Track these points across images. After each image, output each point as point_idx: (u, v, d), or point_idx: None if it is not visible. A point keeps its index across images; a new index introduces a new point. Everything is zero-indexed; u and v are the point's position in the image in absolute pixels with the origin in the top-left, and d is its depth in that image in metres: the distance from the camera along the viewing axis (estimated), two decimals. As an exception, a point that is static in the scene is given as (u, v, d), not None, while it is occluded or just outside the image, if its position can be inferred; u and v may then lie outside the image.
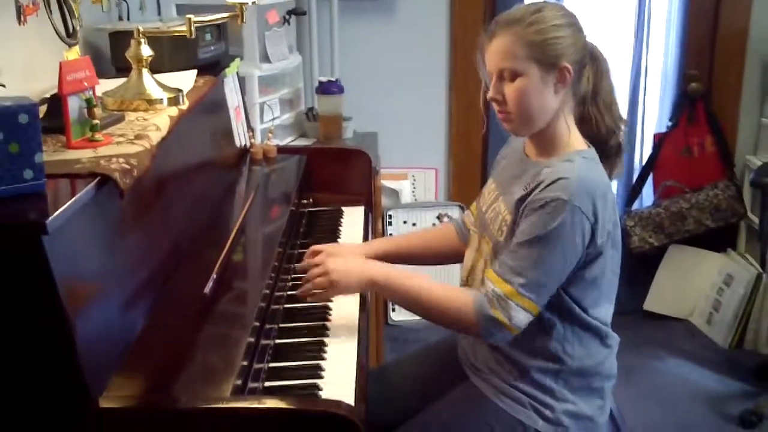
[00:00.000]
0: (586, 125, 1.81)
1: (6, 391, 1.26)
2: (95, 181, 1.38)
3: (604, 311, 1.81)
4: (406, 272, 1.83)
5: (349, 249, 2.13)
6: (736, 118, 3.73)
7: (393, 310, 3.73)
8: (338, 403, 1.34)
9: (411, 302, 1.81)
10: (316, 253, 2.01)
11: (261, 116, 3.15)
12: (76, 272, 1.28)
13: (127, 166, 1.47)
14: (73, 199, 1.28)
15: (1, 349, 1.23)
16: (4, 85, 1.58)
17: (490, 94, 1.76)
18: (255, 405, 1.33)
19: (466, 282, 1.92)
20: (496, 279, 1.70)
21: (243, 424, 1.31)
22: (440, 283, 1.81)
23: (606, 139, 1.83)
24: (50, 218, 1.19)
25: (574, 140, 1.78)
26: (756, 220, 3.57)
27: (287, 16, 3.37)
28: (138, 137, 1.63)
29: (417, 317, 3.64)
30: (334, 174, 2.76)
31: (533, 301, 1.67)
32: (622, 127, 1.86)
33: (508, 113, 1.74)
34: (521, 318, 1.67)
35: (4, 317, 1.22)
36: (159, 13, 3.04)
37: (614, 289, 1.82)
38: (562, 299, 1.73)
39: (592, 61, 1.79)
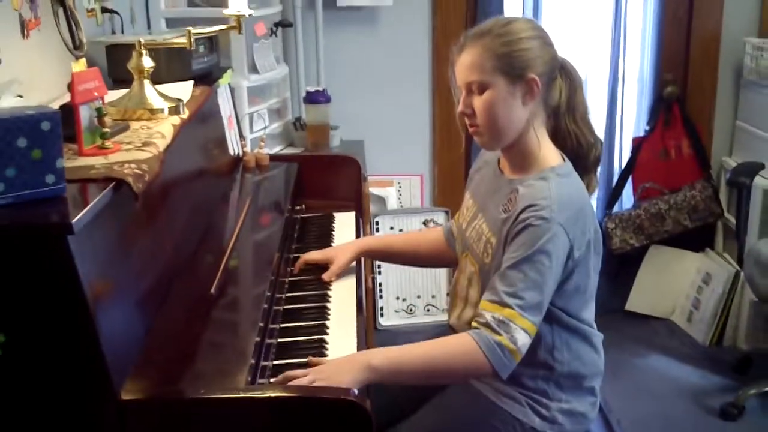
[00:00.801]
0: (565, 141, 1.83)
1: (31, 385, 1.32)
2: (111, 185, 1.44)
3: (586, 311, 1.85)
4: (399, 347, 1.70)
5: (341, 249, 2.20)
6: (711, 121, 3.84)
7: (381, 315, 3.80)
8: (347, 391, 1.41)
9: (420, 374, 1.71)
10: (307, 263, 2.08)
11: (250, 126, 3.22)
12: (97, 271, 1.35)
13: (139, 172, 1.53)
14: (94, 201, 1.34)
15: (27, 344, 1.29)
16: (21, 96, 1.64)
17: (459, 108, 1.78)
18: (271, 394, 1.40)
19: (452, 298, 1.98)
20: (493, 307, 1.67)
21: (260, 412, 1.37)
22: (435, 341, 1.72)
23: (586, 154, 1.85)
24: (75, 219, 1.26)
25: (547, 154, 1.79)
26: (732, 219, 3.68)
27: (274, 28, 3.44)
28: (145, 144, 1.70)
29: (404, 322, 3.76)
30: (324, 181, 2.83)
31: (531, 322, 1.66)
32: (599, 142, 1.87)
33: (477, 126, 1.77)
34: (524, 341, 1.66)
35: (32, 314, 1.28)
36: (149, 27, 3.11)
37: (594, 288, 1.85)
38: (550, 309, 1.74)
39: (565, 75, 1.82)
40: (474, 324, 1.69)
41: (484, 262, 1.81)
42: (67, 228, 1.24)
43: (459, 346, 1.67)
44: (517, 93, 1.74)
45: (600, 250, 1.82)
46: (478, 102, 1.74)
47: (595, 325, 1.89)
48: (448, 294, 3.56)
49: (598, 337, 1.90)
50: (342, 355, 1.68)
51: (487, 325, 1.65)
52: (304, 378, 1.52)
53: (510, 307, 1.65)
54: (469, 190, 2.01)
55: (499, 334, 1.64)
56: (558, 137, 1.83)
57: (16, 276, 1.27)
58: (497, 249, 1.76)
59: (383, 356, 1.65)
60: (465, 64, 1.75)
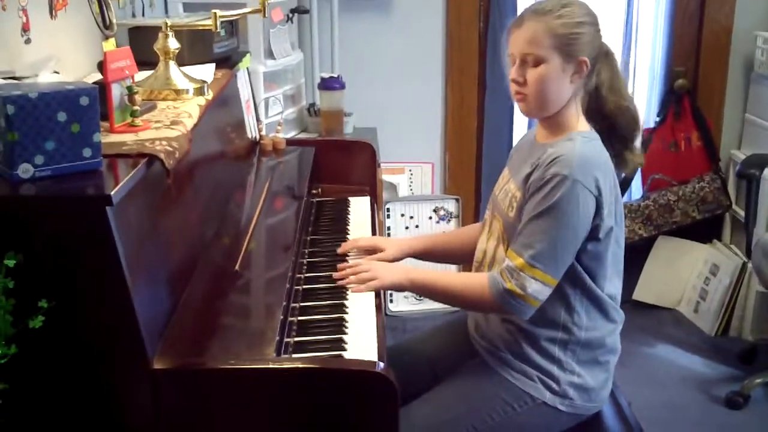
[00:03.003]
0: (610, 118, 1.92)
1: (70, 351, 1.36)
2: (144, 160, 1.48)
3: (613, 285, 1.92)
4: (436, 272, 1.98)
5: (392, 243, 2.27)
6: (721, 114, 3.87)
7: (391, 301, 3.84)
8: (373, 363, 1.45)
9: (441, 297, 1.99)
10: (356, 248, 2.18)
11: (266, 111, 3.25)
12: (132, 243, 1.38)
13: (170, 149, 1.57)
14: (130, 175, 1.38)
15: (68, 312, 1.33)
16: (58, 72, 1.68)
17: (512, 75, 1.89)
18: (299, 365, 1.44)
19: (481, 264, 2.03)
20: (511, 254, 1.82)
21: (287, 382, 1.42)
22: (463, 275, 2.02)
23: (632, 126, 1.95)
24: (113, 191, 1.30)
25: (579, 123, 1.91)
26: (741, 211, 3.71)
27: (290, 14, 3.47)
28: (174, 123, 1.74)
29: (414, 308, 3.80)
30: (339, 165, 2.86)
31: (544, 272, 1.78)
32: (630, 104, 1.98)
33: (525, 95, 1.87)
34: (536, 288, 1.78)
35: (72, 283, 1.32)
36: (166, 11, 3.14)
37: (621, 264, 1.94)
38: (575, 269, 1.84)
39: (605, 57, 1.92)
40: (495, 270, 1.86)
41: (509, 216, 1.91)
42: (107, 200, 1.29)
43: (474, 283, 1.89)
44: (568, 71, 1.85)
45: (621, 222, 1.91)
46: (532, 73, 1.85)
47: (618, 301, 1.96)
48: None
49: (619, 314, 1.97)
50: (365, 323, 1.85)
51: (501, 273, 1.83)
52: (361, 266, 1.99)
53: (522, 256, 1.80)
54: (507, 165, 2.10)
55: (509, 281, 1.80)
56: (592, 111, 1.93)
57: (56, 245, 1.31)
58: (521, 203, 1.86)
59: (420, 275, 1.97)
60: (524, 36, 1.85)
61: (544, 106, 1.89)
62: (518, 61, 1.87)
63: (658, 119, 3.89)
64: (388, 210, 3.81)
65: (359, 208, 2.66)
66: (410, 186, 3.94)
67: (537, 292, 1.79)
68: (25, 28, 1.88)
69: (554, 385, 1.89)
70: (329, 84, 3.46)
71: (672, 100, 3.85)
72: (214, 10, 2.04)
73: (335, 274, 2.01)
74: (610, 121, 1.93)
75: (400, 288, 2.01)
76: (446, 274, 2.00)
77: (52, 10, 2.02)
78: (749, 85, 3.81)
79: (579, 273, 1.85)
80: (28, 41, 1.88)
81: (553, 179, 1.77)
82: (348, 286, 1.96)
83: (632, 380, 3.24)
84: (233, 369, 1.41)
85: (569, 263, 1.82)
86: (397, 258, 2.25)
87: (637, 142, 2.00)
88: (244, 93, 2.74)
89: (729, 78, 3.84)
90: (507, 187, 1.97)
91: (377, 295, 1.99)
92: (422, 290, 2.01)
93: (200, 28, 2.14)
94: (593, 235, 1.82)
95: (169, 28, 2.01)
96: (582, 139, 1.85)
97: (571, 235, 1.79)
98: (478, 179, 3.96)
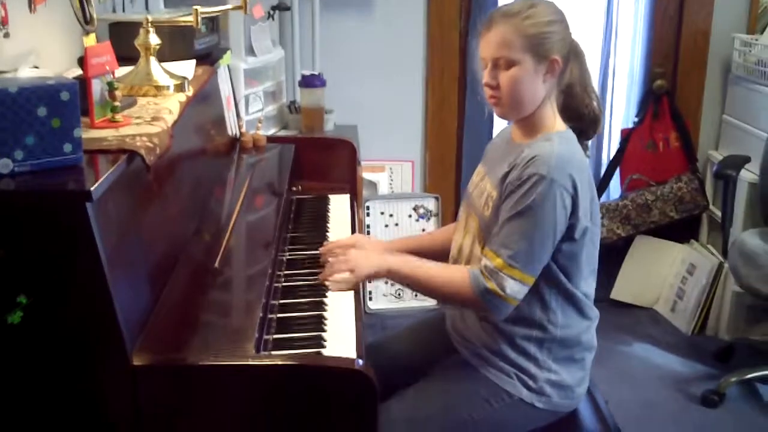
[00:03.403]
0: (581, 113, 1.96)
1: (49, 348, 1.36)
2: (125, 156, 1.48)
3: (587, 284, 1.94)
4: (417, 261, 1.98)
5: (372, 242, 2.27)
6: (698, 115, 3.90)
7: (370, 299, 3.84)
8: (353, 361, 1.46)
9: (420, 287, 1.98)
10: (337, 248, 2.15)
11: (246, 108, 3.25)
12: (112, 238, 1.38)
13: (151, 145, 1.57)
14: (110, 170, 1.38)
15: (47, 307, 1.33)
16: (37, 67, 1.67)
17: (485, 79, 1.89)
18: (278, 362, 1.44)
19: (456, 260, 2.04)
20: (489, 253, 1.82)
21: (267, 379, 1.42)
22: (444, 266, 1.99)
23: (597, 120, 1.98)
24: (93, 187, 1.30)
25: (555, 123, 1.92)
26: (717, 211, 3.74)
27: (271, 11, 3.47)
28: (155, 119, 1.74)
29: (393, 306, 3.80)
30: (320, 163, 2.88)
31: (522, 271, 1.79)
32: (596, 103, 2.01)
33: (500, 98, 1.88)
34: (514, 288, 1.79)
35: (51, 278, 1.32)
36: (146, 6, 3.12)
37: (595, 264, 1.96)
38: (551, 268, 1.85)
39: (574, 55, 1.94)
40: (476, 265, 1.86)
41: (484, 215, 1.91)
42: (87, 195, 1.29)
43: (455, 278, 1.88)
44: (540, 71, 1.85)
45: (597, 221, 1.92)
46: (504, 76, 1.85)
47: (592, 299, 1.97)
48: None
49: (594, 312, 1.98)
50: (344, 320, 1.86)
51: (482, 270, 1.83)
52: (341, 257, 1.98)
53: (500, 255, 1.80)
54: (481, 163, 2.11)
55: (489, 280, 1.80)
56: (570, 110, 1.95)
57: (36, 241, 1.31)
58: (497, 203, 1.87)
59: (399, 263, 1.97)
60: (495, 39, 1.86)
61: (520, 108, 1.89)
62: (490, 65, 1.88)
63: (636, 119, 3.92)
64: (368, 208, 3.81)
65: (339, 205, 2.67)
66: (390, 184, 3.95)
67: (515, 292, 1.80)
68: (4, 22, 1.86)
69: (531, 382, 1.90)
70: (310, 81, 3.46)
71: (651, 100, 3.88)
72: (195, 7, 2.03)
73: (320, 276, 2.01)
74: (579, 118, 1.96)
75: (378, 276, 2.00)
76: (426, 265, 1.96)
77: (31, 4, 2.01)
78: (727, 87, 3.84)
79: (554, 272, 1.86)
80: (6, 35, 1.87)
81: (530, 179, 1.78)
82: (329, 284, 1.97)
83: (609, 378, 3.26)
84: (212, 366, 1.41)
85: (546, 262, 1.83)
86: None
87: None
88: (225, 89, 2.74)
89: (707, 79, 3.88)
90: (482, 186, 1.98)
91: (356, 292, 1.99)
92: (401, 279, 1.99)
93: (181, 24, 2.13)
94: (569, 234, 1.83)
95: (150, 24, 2.00)
96: (559, 139, 1.86)
97: (549, 235, 1.80)
98: (458, 178, 3.97)
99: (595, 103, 1.98)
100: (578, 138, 1.94)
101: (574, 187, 1.79)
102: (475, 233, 1.96)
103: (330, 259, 2.04)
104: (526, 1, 1.88)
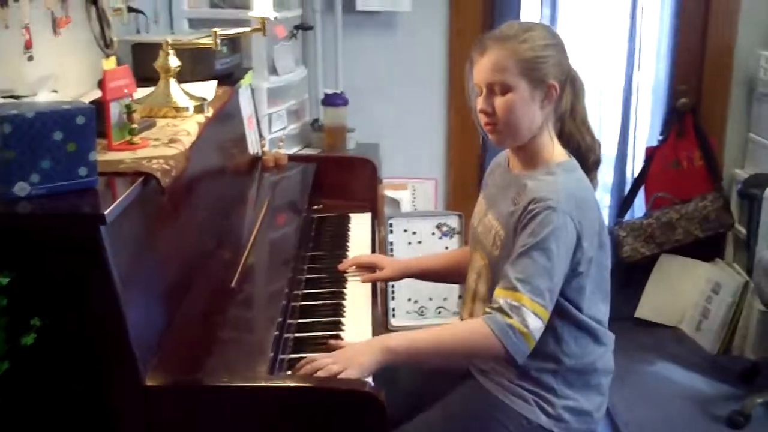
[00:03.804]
0: (567, 143, 1.90)
1: (62, 368, 1.38)
2: (140, 179, 1.50)
3: (598, 309, 1.89)
4: (416, 332, 1.80)
5: (392, 262, 2.28)
6: (723, 133, 3.87)
7: (393, 316, 3.84)
8: (364, 383, 1.46)
9: (431, 354, 1.79)
10: (356, 264, 2.17)
11: (269, 126, 3.28)
12: (126, 261, 1.40)
13: (167, 167, 1.59)
14: (125, 194, 1.40)
15: (60, 329, 1.35)
16: (56, 91, 1.70)
17: (480, 106, 1.84)
18: (290, 383, 1.45)
19: (465, 297, 2.02)
20: (505, 292, 1.73)
21: (278, 401, 1.43)
22: (451, 325, 1.91)
23: (585, 156, 1.91)
24: (107, 210, 1.32)
25: (555, 152, 1.87)
26: (743, 230, 3.71)
27: (294, 31, 3.50)
28: (172, 141, 1.76)
29: (415, 323, 3.79)
30: (340, 181, 2.88)
31: (543, 306, 1.71)
32: (598, 146, 1.94)
33: (495, 125, 1.83)
34: (535, 325, 1.70)
35: (64, 300, 1.34)
36: (171, 27, 3.17)
37: (607, 287, 1.91)
38: (560, 302, 1.79)
39: (571, 82, 1.88)
40: (487, 310, 1.75)
41: (493, 255, 1.87)
42: (100, 218, 1.31)
43: (473, 330, 1.74)
44: (537, 97, 1.81)
45: (607, 247, 1.88)
46: (500, 102, 1.81)
47: (606, 324, 1.93)
48: (460, 296, 3.60)
49: (608, 337, 1.94)
50: (364, 334, 1.80)
51: (499, 310, 1.71)
52: (325, 360, 1.58)
53: (520, 292, 1.71)
54: (482, 193, 2.07)
55: (511, 317, 1.69)
56: (561, 139, 1.90)
57: (50, 263, 1.33)
58: (506, 241, 1.82)
59: (399, 338, 1.75)
60: (488, 65, 1.80)
61: (516, 135, 1.84)
62: (485, 91, 1.82)
63: (660, 138, 3.89)
64: (391, 225, 3.82)
65: (360, 224, 2.68)
66: (413, 202, 3.95)
67: (536, 330, 1.71)
68: (28, 46, 1.90)
69: (549, 409, 1.86)
70: (332, 100, 3.49)
71: (675, 118, 3.86)
72: (214, 29, 2.06)
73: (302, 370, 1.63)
74: (571, 146, 1.90)
75: (381, 365, 1.65)
76: (433, 330, 1.79)
77: (55, 28, 2.05)
78: (752, 104, 3.80)
79: (564, 305, 1.82)
80: (30, 59, 1.90)
81: (540, 214, 1.73)
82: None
83: (632, 398, 3.24)
84: (224, 387, 1.42)
85: (557, 295, 1.78)
86: (394, 278, 2.27)
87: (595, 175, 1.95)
88: (247, 109, 2.76)
89: (732, 97, 3.84)
90: (488, 222, 1.93)
91: (374, 310, 2.00)
92: (408, 357, 1.75)
93: (201, 46, 2.16)
94: (574, 268, 1.79)
95: (169, 46, 2.03)
96: (563, 172, 1.82)
97: (562, 267, 1.75)
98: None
99: (588, 138, 1.91)
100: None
101: (580, 220, 1.76)
102: (482, 271, 1.93)
103: (311, 359, 1.63)
104: (522, 24, 1.85)
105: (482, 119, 1.85)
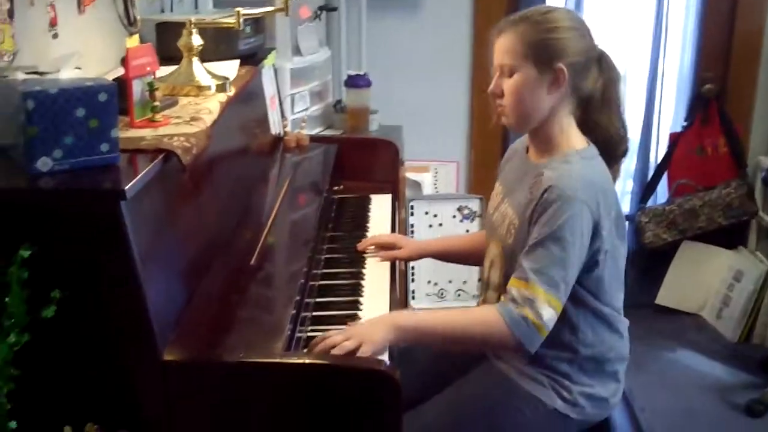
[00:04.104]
0: (594, 131, 1.87)
1: (82, 342, 1.40)
2: (161, 156, 1.51)
3: (614, 297, 1.88)
4: (428, 312, 1.88)
5: (411, 242, 2.29)
6: (749, 120, 3.83)
7: (413, 298, 3.85)
8: (380, 361, 1.48)
9: (439, 337, 1.80)
10: (376, 244, 2.18)
11: (292, 107, 3.28)
12: (146, 236, 1.42)
13: (188, 145, 1.60)
14: (145, 170, 1.42)
15: (80, 302, 1.37)
16: (79, 68, 1.72)
17: (489, 88, 1.84)
18: (306, 360, 1.46)
19: (483, 286, 2.01)
20: (519, 283, 1.73)
21: (293, 377, 1.44)
22: (463, 310, 1.90)
23: (615, 146, 1.89)
24: (128, 186, 1.33)
25: (571, 139, 1.84)
26: (767, 218, 3.68)
27: (318, 12, 3.50)
28: (193, 119, 1.77)
29: (435, 305, 3.80)
30: (362, 163, 2.88)
31: (557, 298, 1.71)
32: (628, 138, 1.92)
33: (504, 107, 1.83)
34: (549, 315, 1.70)
35: (85, 274, 1.36)
36: (196, 6, 3.17)
37: (622, 275, 1.89)
38: (577, 290, 1.79)
39: (602, 68, 1.85)
40: (502, 299, 1.75)
41: (507, 243, 1.86)
42: (121, 194, 1.32)
43: (484, 317, 1.75)
44: (544, 81, 1.78)
45: (624, 235, 1.86)
46: (507, 84, 1.80)
47: (621, 311, 1.92)
48: (479, 280, 3.60)
49: (623, 323, 1.93)
50: (382, 313, 1.79)
51: (513, 300, 1.71)
52: (339, 336, 1.60)
53: (535, 283, 1.70)
54: (499, 179, 2.05)
55: (524, 308, 1.69)
56: (587, 126, 1.87)
57: (71, 237, 1.35)
58: (520, 230, 1.81)
59: (410, 318, 1.79)
60: (500, 47, 1.80)
61: (524, 119, 1.83)
62: (497, 73, 1.82)
63: (685, 124, 3.87)
64: (412, 208, 3.82)
65: (380, 205, 2.68)
66: (435, 184, 3.95)
67: (550, 320, 1.71)
68: (53, 23, 1.91)
69: (565, 394, 1.86)
70: (356, 81, 3.49)
71: (699, 105, 3.82)
72: (237, 9, 2.07)
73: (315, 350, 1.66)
74: (601, 141, 1.87)
75: (391, 344, 1.68)
76: (444, 313, 1.83)
77: (80, 5, 2.06)
78: (780, 91, 3.77)
79: (582, 294, 1.81)
80: (55, 36, 1.92)
81: (555, 203, 1.71)
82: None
83: (650, 385, 3.23)
84: (240, 363, 1.44)
85: (572, 286, 1.77)
86: (413, 258, 2.28)
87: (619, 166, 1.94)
88: (269, 89, 2.77)
89: (759, 83, 3.80)
90: (503, 210, 1.92)
91: (392, 291, 2.01)
92: (417, 336, 1.77)
93: (224, 25, 2.17)
94: (593, 258, 1.77)
95: (192, 25, 2.04)
96: (581, 160, 1.80)
97: (577, 258, 1.73)
98: (502, 179, 3.96)
99: (617, 127, 1.88)
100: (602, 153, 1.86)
101: (598, 209, 1.74)
102: (495, 259, 1.92)
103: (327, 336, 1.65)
104: (542, 8, 1.84)
105: (493, 102, 1.85)
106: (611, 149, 1.89)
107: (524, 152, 1.96)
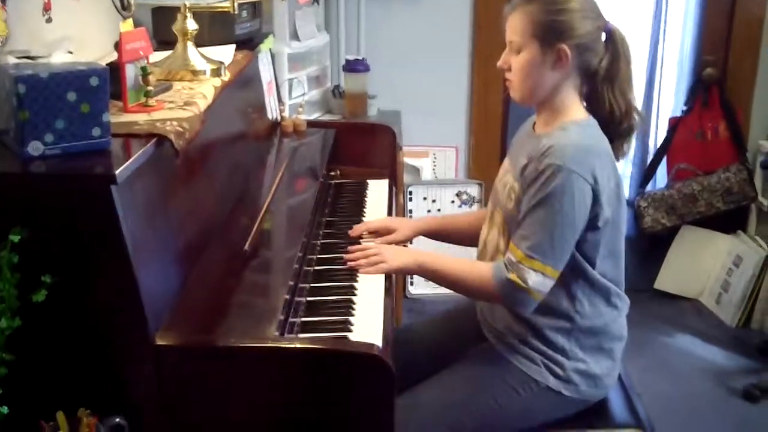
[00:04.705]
0: (599, 106, 1.90)
1: (73, 327, 1.40)
2: (154, 140, 1.51)
3: (611, 267, 1.91)
4: (445, 257, 1.98)
5: (404, 223, 2.30)
6: (749, 104, 3.82)
7: (411, 284, 3.86)
8: (371, 346, 1.48)
9: (446, 282, 1.95)
10: (368, 230, 2.19)
11: (290, 92, 3.28)
12: (137, 221, 1.42)
13: (181, 129, 1.60)
14: (137, 155, 1.42)
15: (72, 287, 1.37)
16: (71, 52, 1.72)
17: (498, 62, 1.91)
18: (298, 345, 1.46)
19: (481, 255, 2.05)
20: (511, 247, 1.83)
21: (286, 362, 1.44)
22: (471, 263, 1.99)
23: (619, 122, 1.91)
24: (119, 170, 1.33)
25: (572, 112, 1.89)
26: (766, 203, 3.68)
27: (316, -4, 3.49)
28: (187, 104, 1.77)
29: (433, 291, 3.81)
30: (360, 148, 2.88)
31: (543, 263, 1.77)
32: (636, 115, 1.94)
33: (511, 81, 1.90)
34: (536, 280, 1.78)
35: (76, 258, 1.36)
36: (193, -10, 3.16)
37: (621, 249, 1.93)
38: (575, 258, 1.84)
39: (610, 44, 1.88)
40: (500, 258, 1.88)
41: (508, 208, 1.91)
42: (111, 178, 1.32)
43: (479, 272, 1.89)
44: (548, 59, 1.84)
45: (624, 206, 1.90)
46: (514, 60, 1.87)
47: (621, 287, 1.95)
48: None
49: (623, 300, 1.96)
50: (373, 305, 1.86)
51: (506, 264, 1.82)
52: (371, 250, 1.99)
53: (520, 248, 1.80)
54: (508, 154, 2.10)
55: (511, 272, 1.80)
56: (592, 101, 1.91)
57: (62, 222, 1.35)
58: (519, 195, 1.86)
59: (430, 259, 1.97)
60: (511, 24, 1.87)
61: (528, 94, 1.89)
62: (508, 48, 1.89)
63: (685, 108, 3.86)
64: (410, 193, 3.82)
65: (377, 190, 2.68)
66: (434, 170, 3.95)
67: (538, 284, 1.79)
68: (47, 8, 1.91)
69: (559, 371, 1.90)
70: (354, 66, 3.48)
71: (700, 89, 3.82)
72: (232, -8, 2.06)
73: (346, 257, 2.02)
74: (599, 109, 1.90)
75: (408, 271, 2.04)
76: (454, 261, 1.96)
77: (74, -11, 2.06)
78: (780, 76, 3.75)
79: (579, 261, 1.85)
80: (49, 20, 1.92)
81: (546, 170, 1.77)
82: (358, 268, 1.98)
83: (649, 369, 3.24)
84: (233, 347, 1.44)
85: (569, 253, 1.81)
86: (408, 237, 2.27)
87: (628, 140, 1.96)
88: (266, 74, 2.76)
89: (759, 67, 3.78)
90: (506, 179, 1.97)
91: (387, 278, 2.01)
92: (430, 274, 1.98)
93: (219, 9, 2.16)
94: (593, 224, 1.81)
95: (187, 10, 2.03)
96: (576, 128, 1.84)
97: (568, 226, 1.78)
98: (502, 164, 3.94)
99: (621, 103, 1.90)
100: (611, 131, 1.90)
101: (594, 177, 1.77)
102: (500, 226, 1.96)
103: (362, 248, 2.05)
104: None
105: (504, 75, 1.92)
106: (614, 125, 1.92)
107: (531, 128, 2.00)
